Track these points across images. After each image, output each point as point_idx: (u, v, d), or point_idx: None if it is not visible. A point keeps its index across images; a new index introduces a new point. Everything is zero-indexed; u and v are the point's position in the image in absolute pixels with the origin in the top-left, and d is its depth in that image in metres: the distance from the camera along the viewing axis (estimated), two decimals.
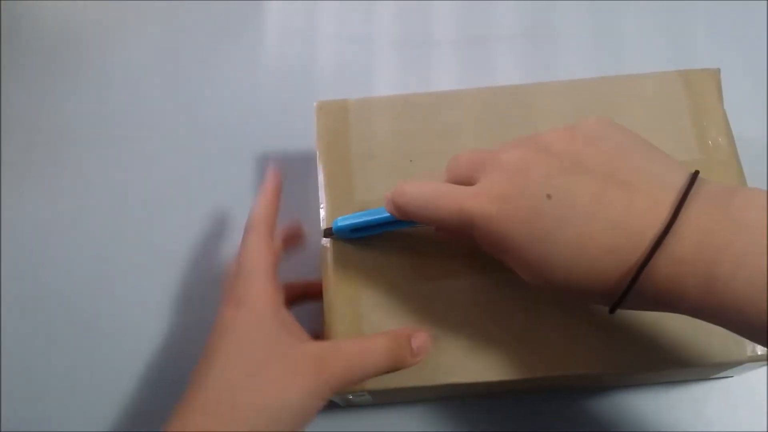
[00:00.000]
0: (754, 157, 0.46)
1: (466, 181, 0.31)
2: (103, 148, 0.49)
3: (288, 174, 0.39)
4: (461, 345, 0.35)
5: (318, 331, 0.36)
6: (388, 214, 0.34)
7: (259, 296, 0.34)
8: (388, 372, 0.33)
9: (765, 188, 0.44)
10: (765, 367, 0.40)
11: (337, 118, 0.39)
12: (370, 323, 0.35)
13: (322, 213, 0.38)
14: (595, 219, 0.27)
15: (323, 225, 0.38)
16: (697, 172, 0.27)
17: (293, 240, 0.40)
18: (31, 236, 0.46)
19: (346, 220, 0.36)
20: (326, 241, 0.37)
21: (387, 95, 0.40)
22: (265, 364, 0.32)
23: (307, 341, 0.33)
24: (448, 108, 0.39)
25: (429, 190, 0.31)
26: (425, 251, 0.37)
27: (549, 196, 0.28)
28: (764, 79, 0.49)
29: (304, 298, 0.41)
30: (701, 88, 0.39)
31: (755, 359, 0.34)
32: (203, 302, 0.44)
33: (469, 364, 0.34)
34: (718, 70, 0.39)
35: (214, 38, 0.52)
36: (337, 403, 0.39)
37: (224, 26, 0.52)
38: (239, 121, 0.49)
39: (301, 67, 0.51)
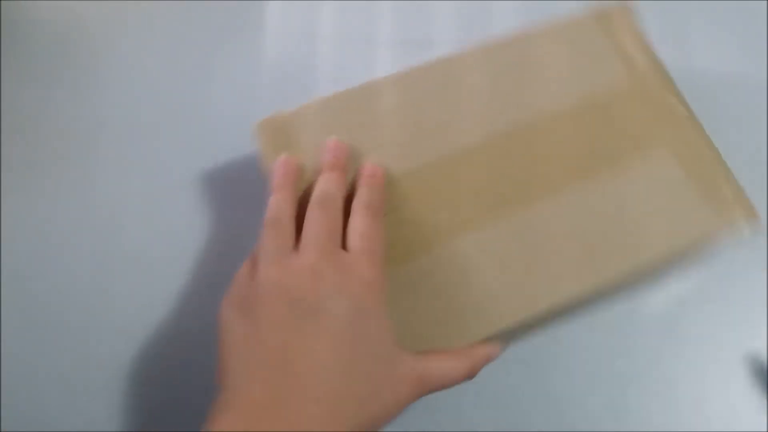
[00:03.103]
0: (754, 161, 0.46)
1: None
2: (103, 148, 0.49)
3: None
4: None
5: None
6: None
7: (382, 283, 0.34)
8: None
9: (765, 193, 0.45)
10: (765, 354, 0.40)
11: (280, 134, 0.41)
12: None
13: None
14: None
15: None
16: None
17: None
18: (31, 236, 0.46)
19: None
20: None
21: (318, 98, 0.41)
22: (377, 372, 0.32)
23: (405, 353, 0.33)
24: (377, 98, 0.41)
25: None
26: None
27: None
28: (764, 80, 0.49)
29: None
30: (619, 24, 0.41)
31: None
32: (205, 303, 0.44)
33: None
34: (631, 4, 0.41)
35: (215, 38, 0.52)
36: None
37: (225, 26, 0.52)
38: (239, 121, 0.49)
39: (302, 67, 0.51)
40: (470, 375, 0.35)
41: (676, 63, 0.49)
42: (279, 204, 0.37)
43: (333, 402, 0.30)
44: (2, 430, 0.42)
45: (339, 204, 0.37)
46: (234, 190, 0.47)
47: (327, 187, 0.37)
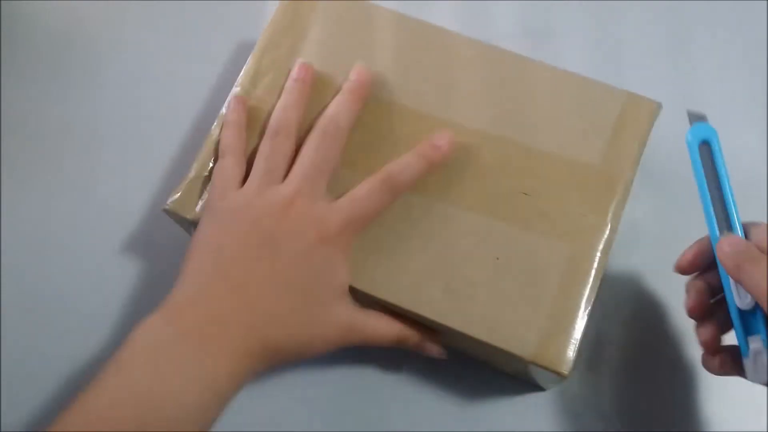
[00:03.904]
0: (752, 164, 0.46)
1: None
2: (102, 147, 0.49)
3: None
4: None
5: None
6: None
7: (345, 240, 0.36)
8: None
9: (764, 189, 0.44)
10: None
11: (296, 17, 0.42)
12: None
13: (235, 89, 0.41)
14: None
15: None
16: None
17: None
18: (31, 235, 0.46)
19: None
20: None
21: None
22: (312, 309, 0.35)
23: (346, 302, 0.36)
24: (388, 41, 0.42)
25: None
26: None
27: None
28: (764, 80, 0.49)
29: None
30: (636, 114, 0.39)
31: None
32: None
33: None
34: (659, 106, 0.39)
35: (214, 38, 0.52)
36: None
37: (224, 26, 0.52)
38: None
39: None
40: (398, 342, 0.37)
41: (676, 63, 0.50)
42: (287, 114, 0.39)
43: (266, 315, 0.34)
44: (2, 430, 0.42)
45: (343, 133, 0.38)
46: None
47: (337, 113, 0.38)
